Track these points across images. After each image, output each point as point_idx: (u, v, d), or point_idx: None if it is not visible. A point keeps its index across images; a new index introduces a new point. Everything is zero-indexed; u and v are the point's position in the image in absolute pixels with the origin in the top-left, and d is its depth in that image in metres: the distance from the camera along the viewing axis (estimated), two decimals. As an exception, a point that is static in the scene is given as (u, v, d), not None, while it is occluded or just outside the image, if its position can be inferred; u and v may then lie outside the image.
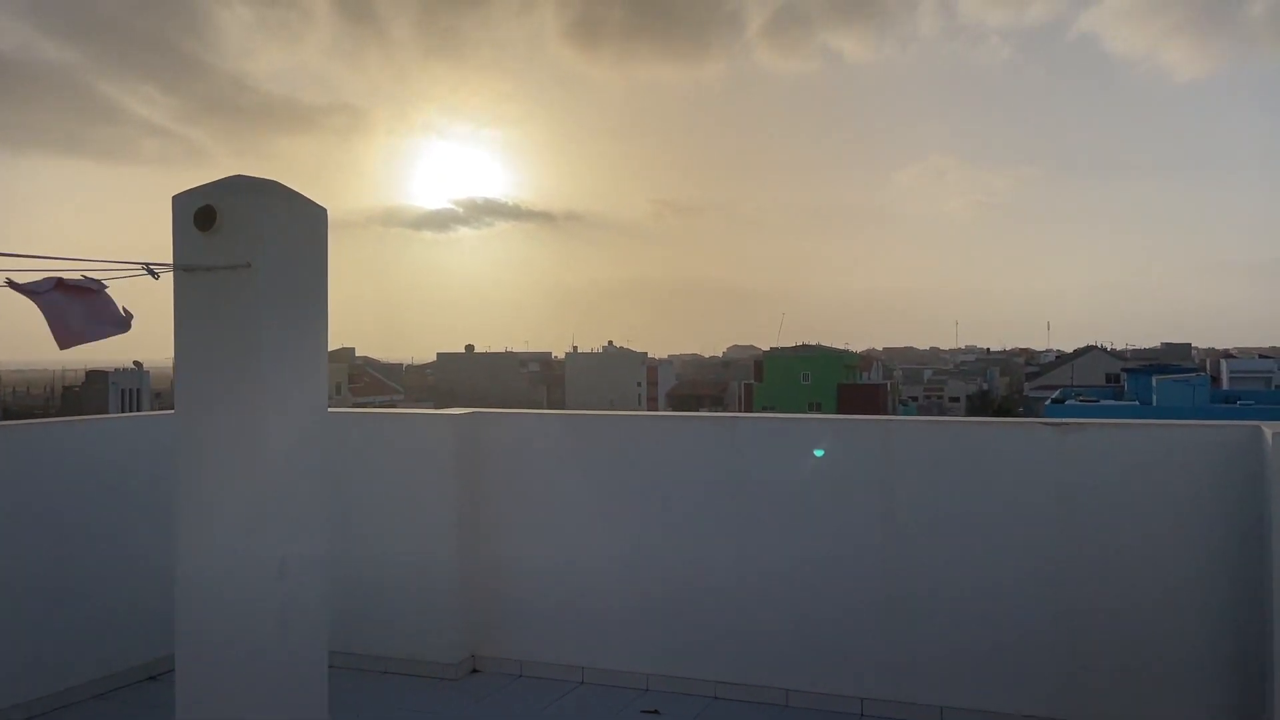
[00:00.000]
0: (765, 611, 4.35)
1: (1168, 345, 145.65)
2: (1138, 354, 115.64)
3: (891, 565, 4.17)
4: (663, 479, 4.58)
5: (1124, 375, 70.75)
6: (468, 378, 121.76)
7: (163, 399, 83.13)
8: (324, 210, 3.58)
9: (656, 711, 4.19)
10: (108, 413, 59.32)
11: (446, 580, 4.73)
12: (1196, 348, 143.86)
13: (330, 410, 5.18)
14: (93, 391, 67.67)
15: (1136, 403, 51.17)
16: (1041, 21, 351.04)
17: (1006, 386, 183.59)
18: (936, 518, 4.12)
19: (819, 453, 4.20)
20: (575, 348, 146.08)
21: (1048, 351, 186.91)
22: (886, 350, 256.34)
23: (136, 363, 72.29)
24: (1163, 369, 64.22)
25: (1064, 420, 4.01)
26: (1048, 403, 52.48)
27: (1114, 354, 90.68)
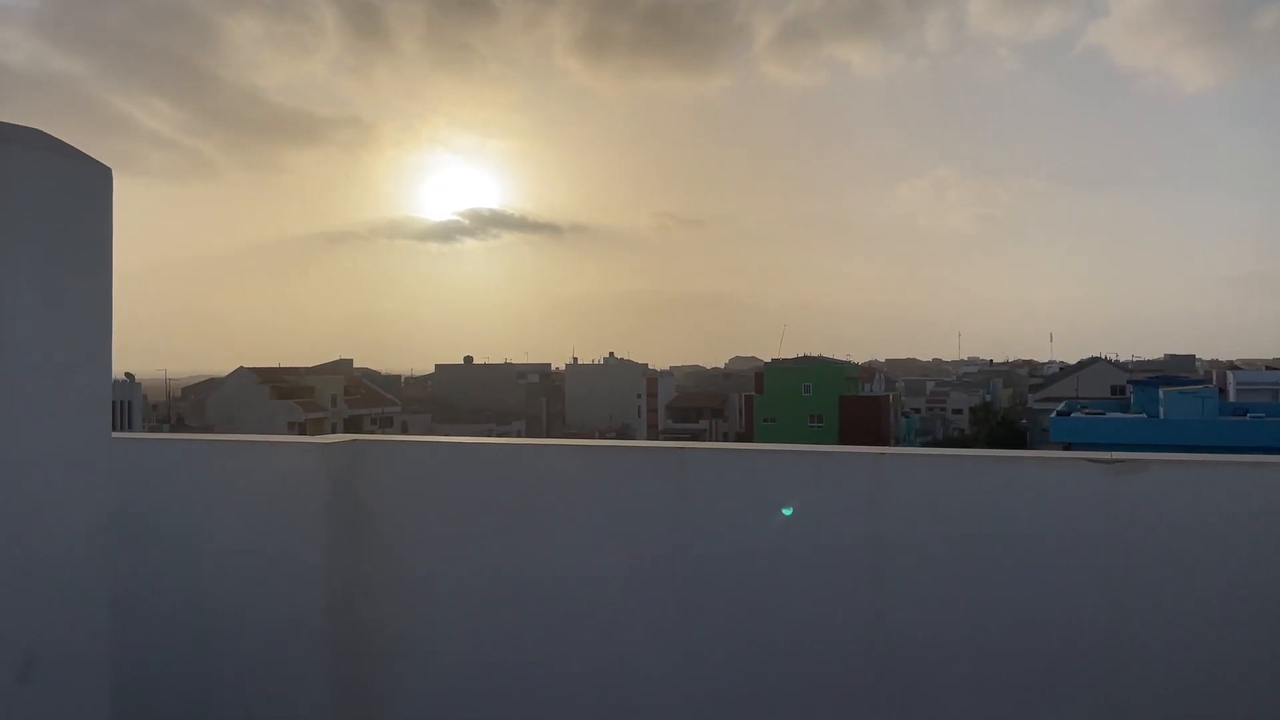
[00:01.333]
0: (715, 708, 3.29)
1: (1172, 357, 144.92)
2: (1141, 365, 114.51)
3: (882, 649, 3.12)
4: (587, 528, 3.53)
5: (1130, 387, 69.68)
6: (465, 390, 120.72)
7: (160, 411, 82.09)
8: (107, 170, 2.60)
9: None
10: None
11: (310, 652, 3.67)
12: (1201, 359, 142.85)
13: (147, 437, 4.13)
14: (82, 403, 66.68)
15: (1144, 415, 50.16)
16: (1049, 34, 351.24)
17: (1009, 398, 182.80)
18: (938, 586, 3.08)
19: (787, 511, 3.13)
20: (575, 359, 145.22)
21: (1051, 363, 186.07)
22: (889, 361, 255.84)
23: (128, 374, 71.37)
24: (1169, 380, 63.08)
25: (1118, 456, 2.94)
26: (1053, 415, 51.41)
27: (1119, 365, 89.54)
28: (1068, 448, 61.28)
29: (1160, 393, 53.74)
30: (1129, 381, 68.18)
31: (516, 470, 3.69)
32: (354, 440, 3.84)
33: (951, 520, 3.05)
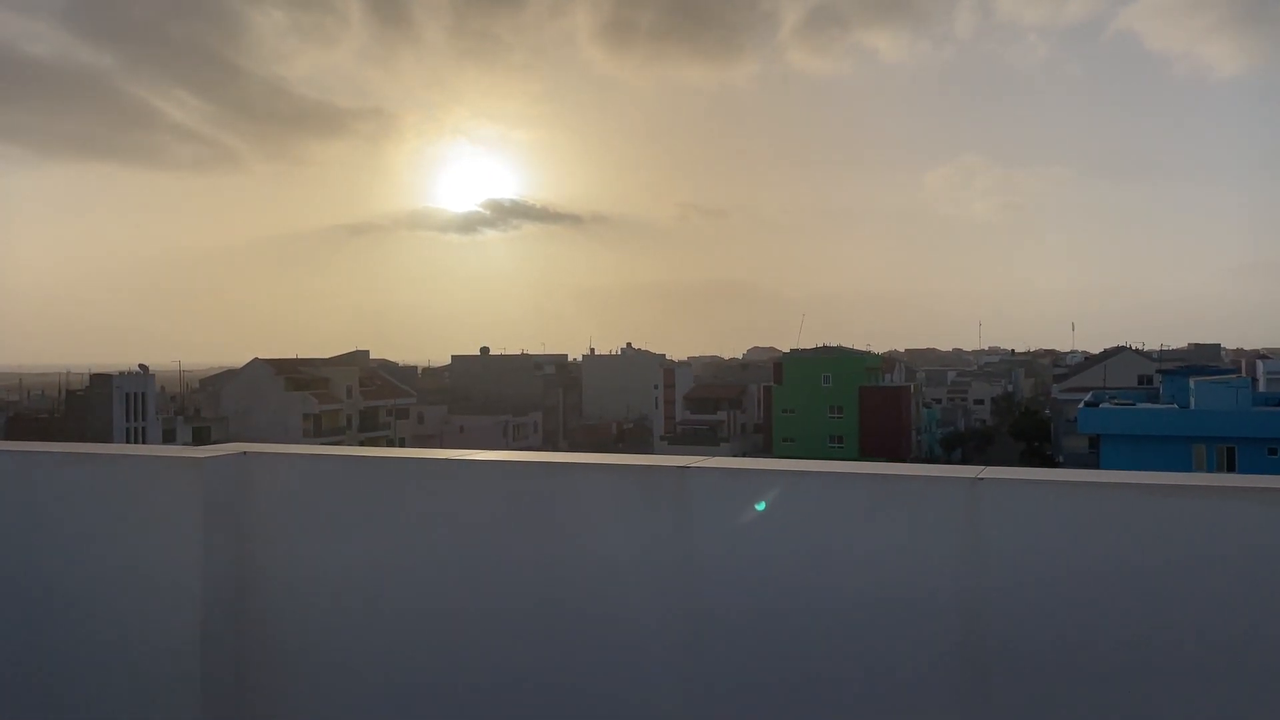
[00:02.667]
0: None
1: (1197, 346, 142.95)
2: (1167, 355, 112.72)
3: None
4: (495, 548, 2.63)
5: (1158, 377, 68.18)
6: (482, 381, 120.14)
7: (178, 402, 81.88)
8: None
9: None
10: (111, 419, 57.90)
11: (185, 681, 2.81)
12: (1226, 348, 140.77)
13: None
14: (96, 395, 66.44)
15: (1175, 406, 48.84)
16: (1080, 19, 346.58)
17: (1032, 388, 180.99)
18: (1051, 648, 2.09)
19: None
20: (593, 350, 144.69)
21: (1073, 352, 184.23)
22: (909, 352, 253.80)
23: (142, 366, 71.09)
24: (1199, 370, 61.67)
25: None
26: (1081, 405, 50.12)
27: (1144, 355, 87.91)
28: (1096, 439, 60.14)
29: (1190, 383, 52.39)
30: (1158, 371, 66.76)
31: (422, 485, 2.91)
32: (242, 453, 2.94)
33: (1073, 574, 2.06)
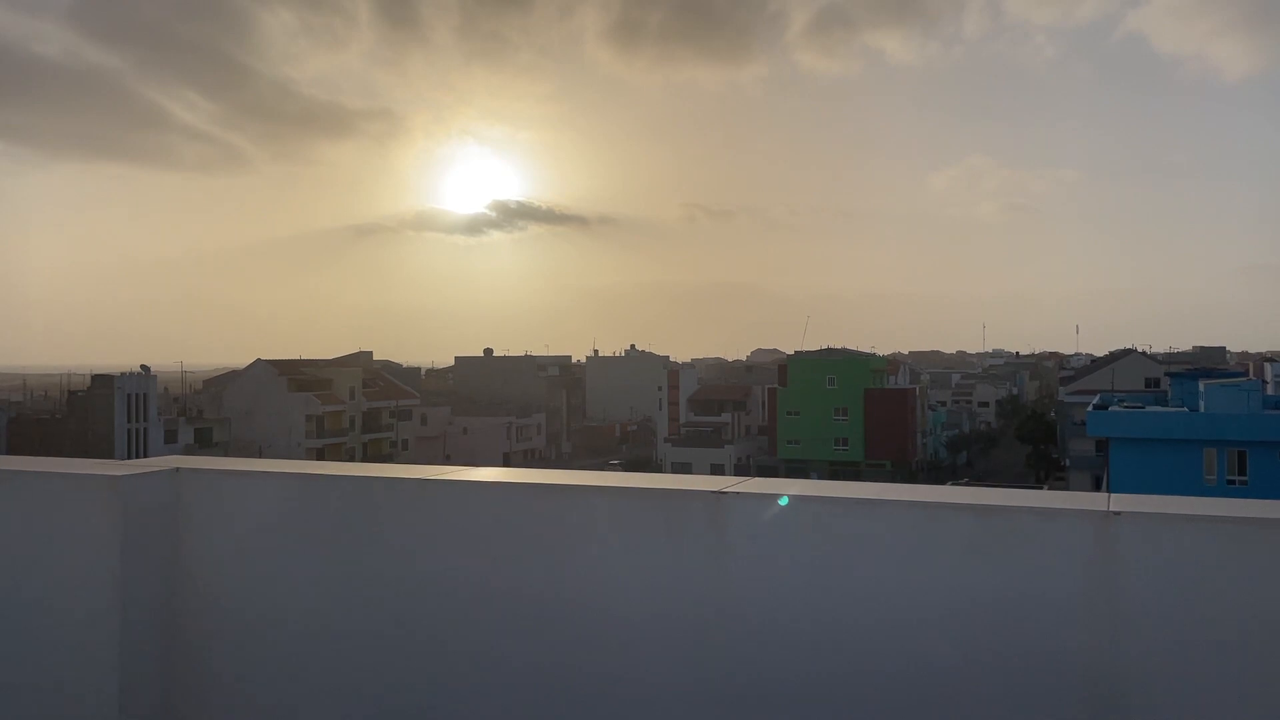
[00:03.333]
0: None
1: (1201, 348, 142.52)
2: (1172, 357, 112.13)
3: None
4: (435, 571, 2.21)
5: (1166, 379, 67.56)
6: (485, 382, 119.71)
7: (181, 403, 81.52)
8: None
9: None
10: (113, 420, 57.58)
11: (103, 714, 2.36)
12: (1231, 351, 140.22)
13: None
14: (98, 396, 66.06)
15: (1184, 409, 48.23)
16: (1089, 20, 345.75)
17: (1037, 391, 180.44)
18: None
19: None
20: (596, 351, 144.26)
21: (1078, 355, 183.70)
22: (912, 354, 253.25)
23: (144, 366, 70.70)
24: (1207, 373, 61.01)
25: None
26: (1089, 408, 49.55)
27: (1151, 358, 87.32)
28: (1105, 443, 59.57)
29: (1199, 385, 51.83)
30: (1166, 374, 66.16)
31: (361, 504, 2.54)
32: (175, 469, 2.49)
33: (1232, 628, 1.59)
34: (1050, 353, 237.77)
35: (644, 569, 2.12)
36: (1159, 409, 48.11)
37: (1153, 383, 77.60)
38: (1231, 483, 42.16)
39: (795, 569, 1.93)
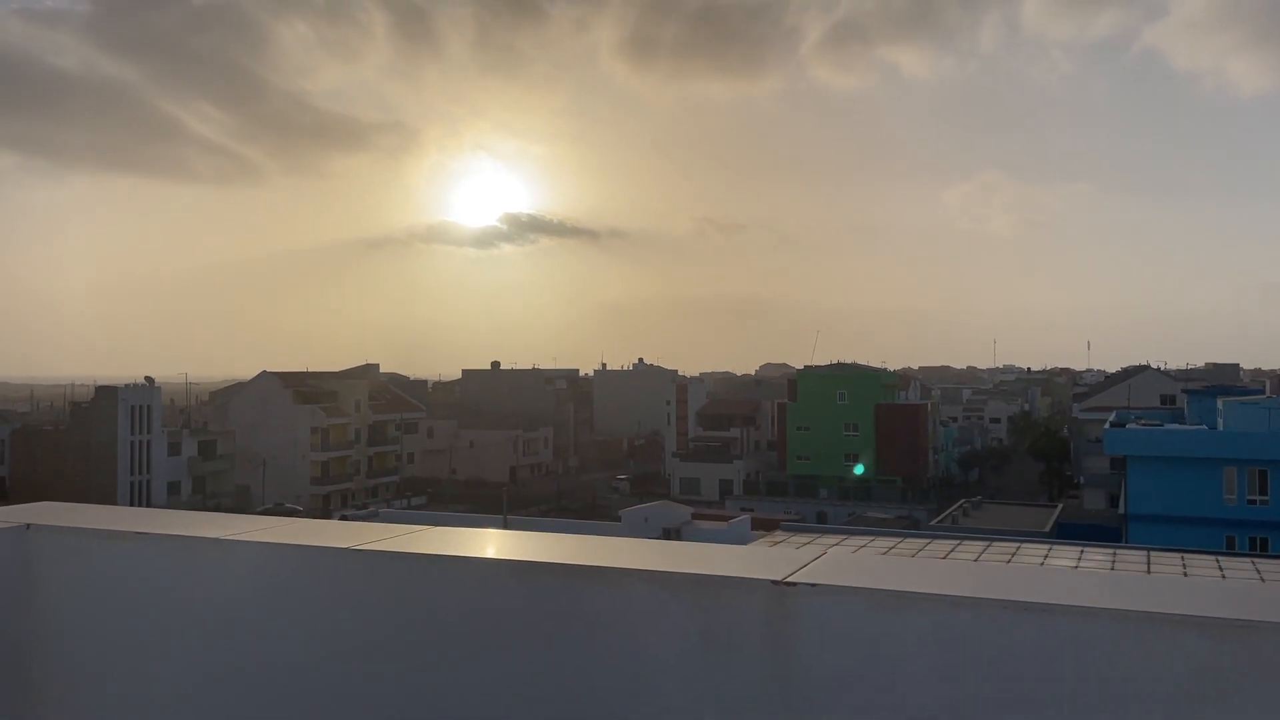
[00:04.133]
0: None
1: (1214, 365, 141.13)
2: (1184, 374, 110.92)
3: None
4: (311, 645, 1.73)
5: (1182, 396, 66.64)
6: (492, 395, 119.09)
7: (185, 415, 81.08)
8: None
9: None
10: (116, 432, 56.86)
11: None
12: (1244, 368, 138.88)
13: None
14: (102, 408, 65.57)
15: (1203, 427, 47.37)
16: (1105, 35, 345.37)
17: (1049, 407, 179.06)
18: None
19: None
20: (604, 365, 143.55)
21: (1089, 371, 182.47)
22: (922, 369, 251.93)
23: (148, 378, 70.24)
24: (1225, 390, 60.14)
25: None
26: (1106, 426, 48.67)
27: (1168, 374, 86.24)
28: (1120, 460, 58.59)
29: (1218, 403, 50.92)
30: (1183, 391, 65.22)
31: (266, 575, 1.95)
32: (25, 526, 1.79)
33: None
34: (1062, 368, 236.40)
35: (678, 687, 1.42)
36: (1178, 427, 47.20)
37: (1168, 400, 76.62)
38: (1252, 502, 41.26)
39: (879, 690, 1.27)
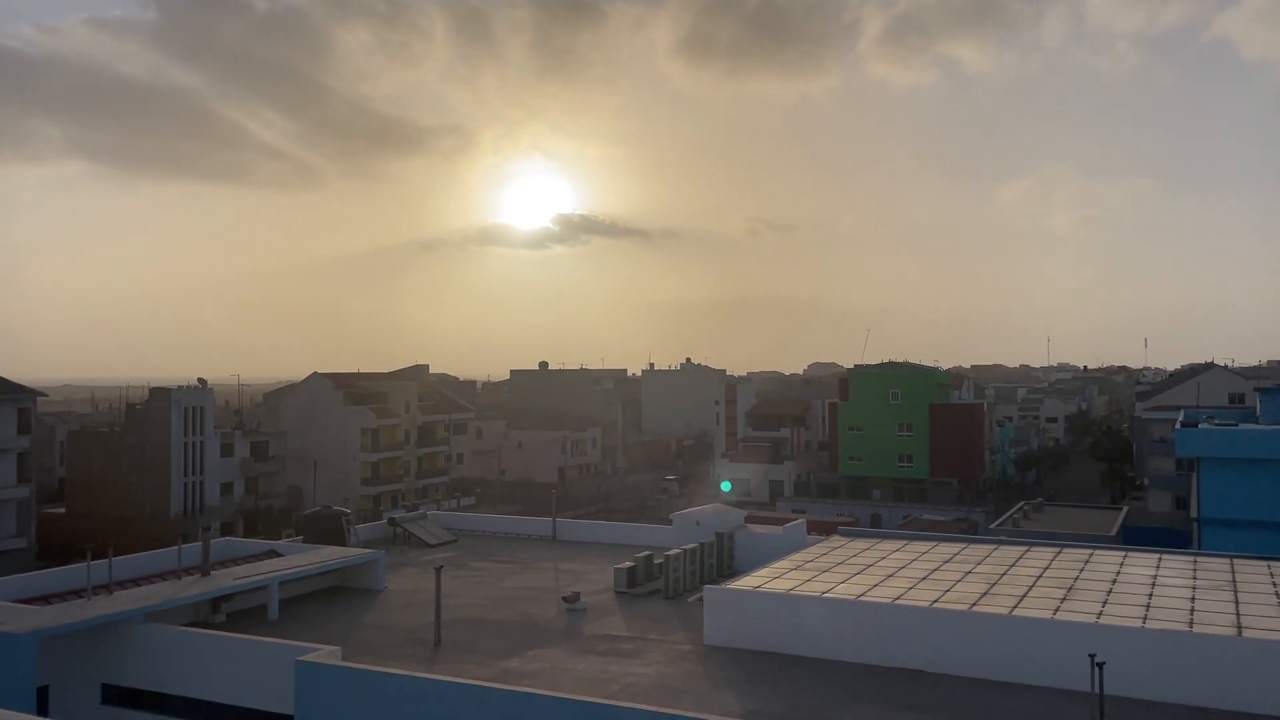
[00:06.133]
0: None
1: (1275, 363, 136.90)
2: (1252, 371, 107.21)
3: None
4: None
5: (1254, 395, 64.05)
6: (541, 396, 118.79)
7: (238, 417, 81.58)
8: None
9: None
10: (169, 433, 56.84)
11: None
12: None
13: None
14: (155, 410, 66.11)
15: (1279, 426, 45.27)
16: (1174, 26, 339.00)
17: (1106, 406, 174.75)
18: None
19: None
20: (652, 364, 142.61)
21: (1148, 369, 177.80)
22: (974, 368, 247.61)
23: (201, 379, 70.73)
24: (1301, 388, 57.58)
25: None
26: (1178, 426, 46.74)
27: (1236, 372, 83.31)
28: (1187, 462, 56.36)
29: (1295, 401, 48.70)
30: (1255, 389, 62.66)
31: None
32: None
33: None
34: (1119, 367, 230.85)
35: None
36: (1255, 427, 45.13)
37: (1237, 398, 73.92)
38: (1335, 506, 39.27)
39: None
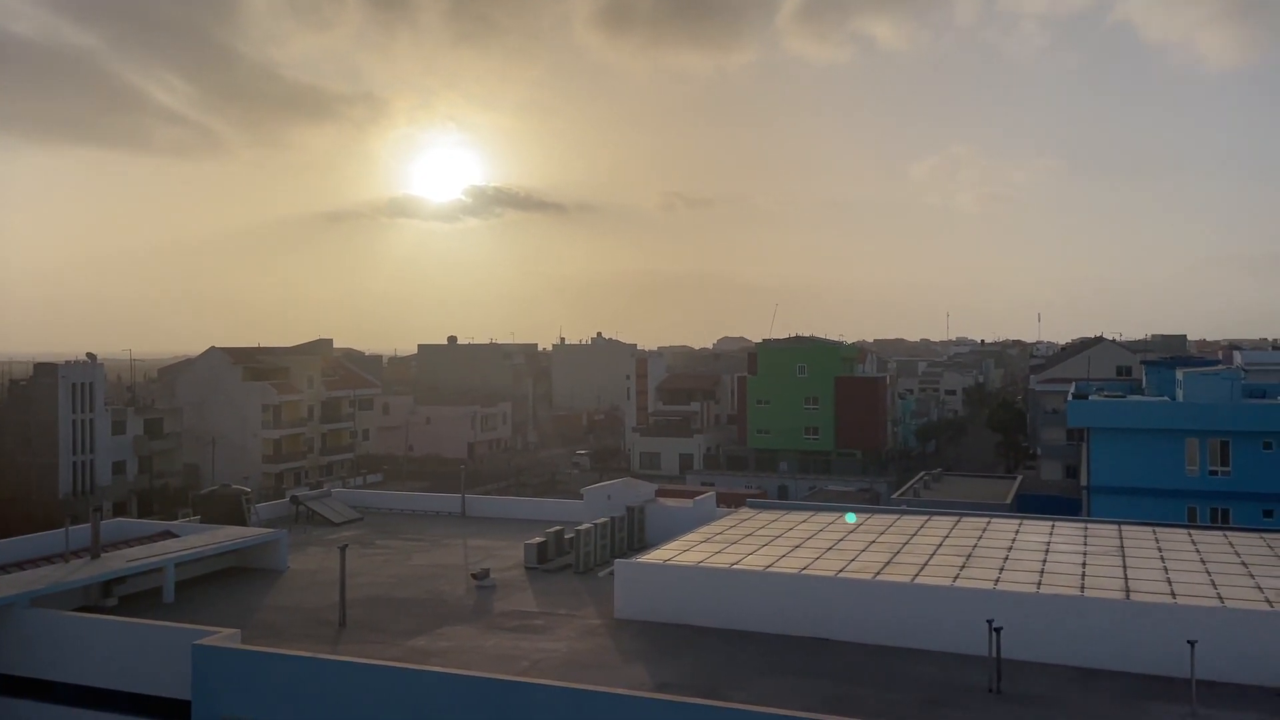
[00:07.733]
0: None
1: (1161, 337, 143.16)
2: (1134, 345, 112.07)
3: None
4: None
5: (1140, 368, 66.96)
6: (449, 370, 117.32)
7: (131, 393, 78.48)
8: None
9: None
10: (57, 409, 54.44)
11: None
12: (1190, 339, 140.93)
13: None
14: (42, 386, 63.16)
15: (1166, 399, 47.37)
16: (1080, 8, 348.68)
17: (1002, 378, 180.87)
18: None
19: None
20: (563, 339, 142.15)
21: (1040, 343, 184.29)
22: (876, 342, 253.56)
23: (90, 354, 67.81)
24: (1184, 362, 60.43)
25: None
26: (1069, 398, 48.55)
27: (1125, 346, 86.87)
28: (1077, 432, 58.66)
29: (1178, 374, 50.97)
30: (1141, 362, 65.47)
31: None
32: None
33: None
34: (1014, 340, 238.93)
35: None
36: (1141, 398, 47.12)
37: (1124, 371, 77.12)
38: (1214, 473, 41.32)
39: None
